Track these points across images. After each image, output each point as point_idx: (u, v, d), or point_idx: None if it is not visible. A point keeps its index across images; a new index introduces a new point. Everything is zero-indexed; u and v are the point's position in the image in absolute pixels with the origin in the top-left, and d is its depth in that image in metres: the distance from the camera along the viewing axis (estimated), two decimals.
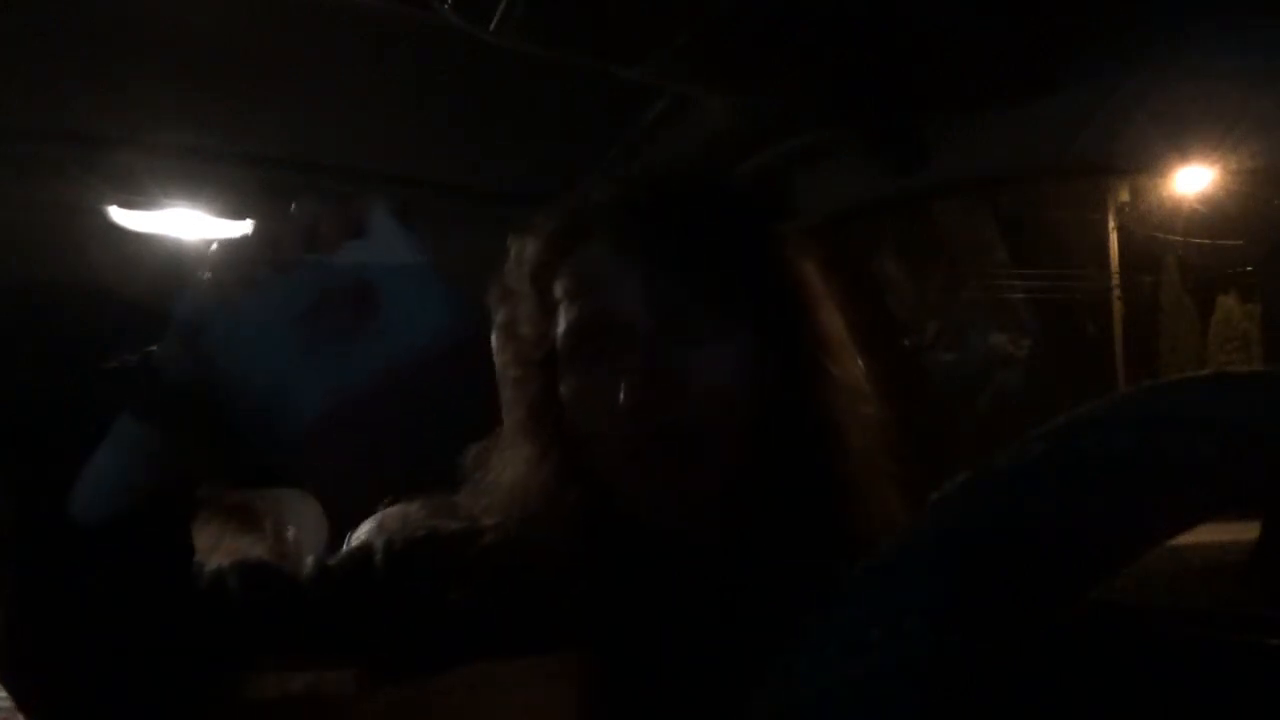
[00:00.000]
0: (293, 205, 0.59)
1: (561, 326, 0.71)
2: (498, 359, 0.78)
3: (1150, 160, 0.90)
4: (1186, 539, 0.34)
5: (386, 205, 0.59)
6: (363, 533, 1.23)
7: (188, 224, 1.36)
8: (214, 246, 0.59)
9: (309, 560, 0.72)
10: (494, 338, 0.78)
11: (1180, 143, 0.83)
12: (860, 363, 0.77)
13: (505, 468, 0.75)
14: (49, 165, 1.18)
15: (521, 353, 0.74)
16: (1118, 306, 12.21)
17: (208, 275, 0.58)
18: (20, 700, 0.60)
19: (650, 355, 0.67)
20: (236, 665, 0.68)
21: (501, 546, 0.72)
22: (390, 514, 1.13)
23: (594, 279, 0.70)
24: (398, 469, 0.59)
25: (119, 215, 1.32)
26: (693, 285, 0.68)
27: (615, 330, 0.68)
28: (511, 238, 0.77)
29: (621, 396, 0.66)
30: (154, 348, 0.60)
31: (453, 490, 0.77)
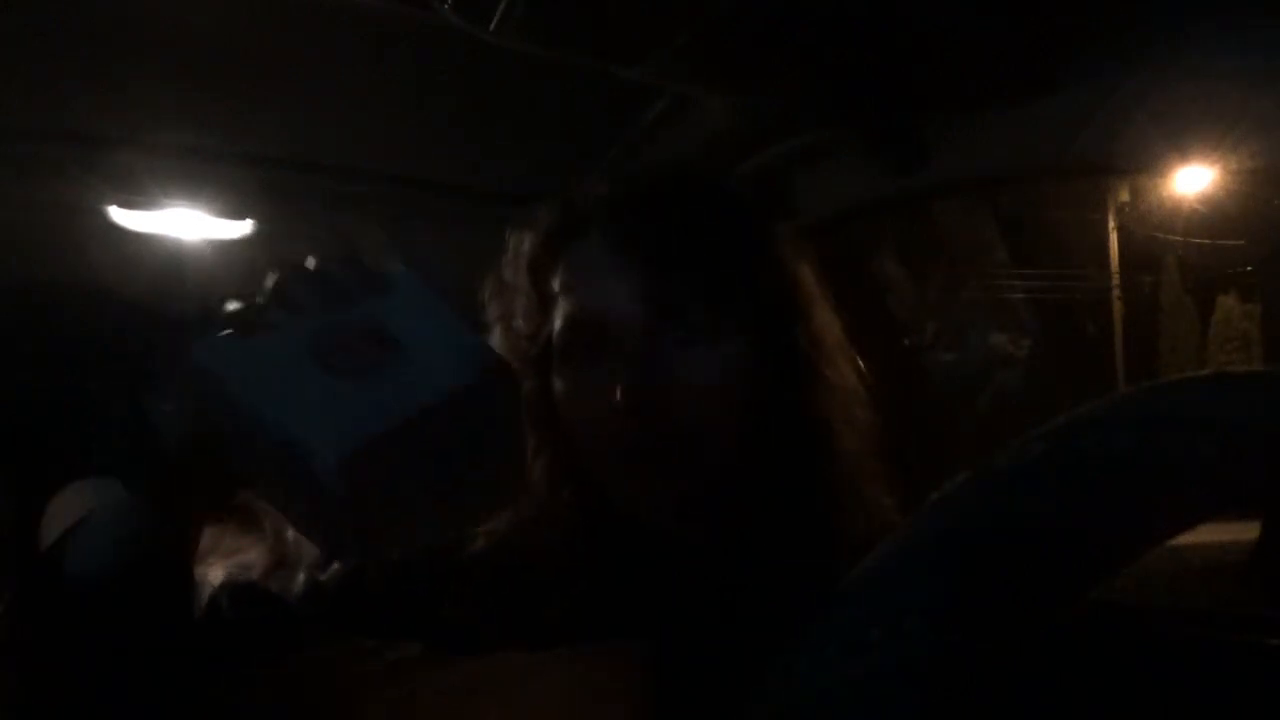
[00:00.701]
0: (309, 260, 0.57)
1: (558, 323, 0.71)
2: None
3: (1150, 160, 0.90)
4: (1186, 539, 0.34)
5: (396, 248, 0.57)
6: None
7: (188, 224, 1.36)
8: (227, 303, 0.56)
9: (300, 576, 0.72)
10: (490, 333, 0.78)
11: (1180, 143, 0.83)
12: (857, 365, 0.77)
13: None
14: (49, 165, 1.18)
15: (517, 348, 0.74)
16: (1118, 306, 12.20)
17: (219, 328, 0.55)
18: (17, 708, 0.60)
19: (646, 355, 0.67)
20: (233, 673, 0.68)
21: (496, 550, 0.71)
22: None
23: (591, 276, 0.70)
24: (424, 514, 0.57)
25: (119, 215, 1.32)
26: (689, 285, 0.68)
27: (611, 328, 0.68)
28: (510, 232, 0.77)
29: (616, 396, 0.66)
30: (152, 406, 0.58)
31: None
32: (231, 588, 0.68)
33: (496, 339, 0.77)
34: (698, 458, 0.68)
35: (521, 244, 0.76)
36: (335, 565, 0.71)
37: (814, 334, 0.74)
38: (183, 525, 0.60)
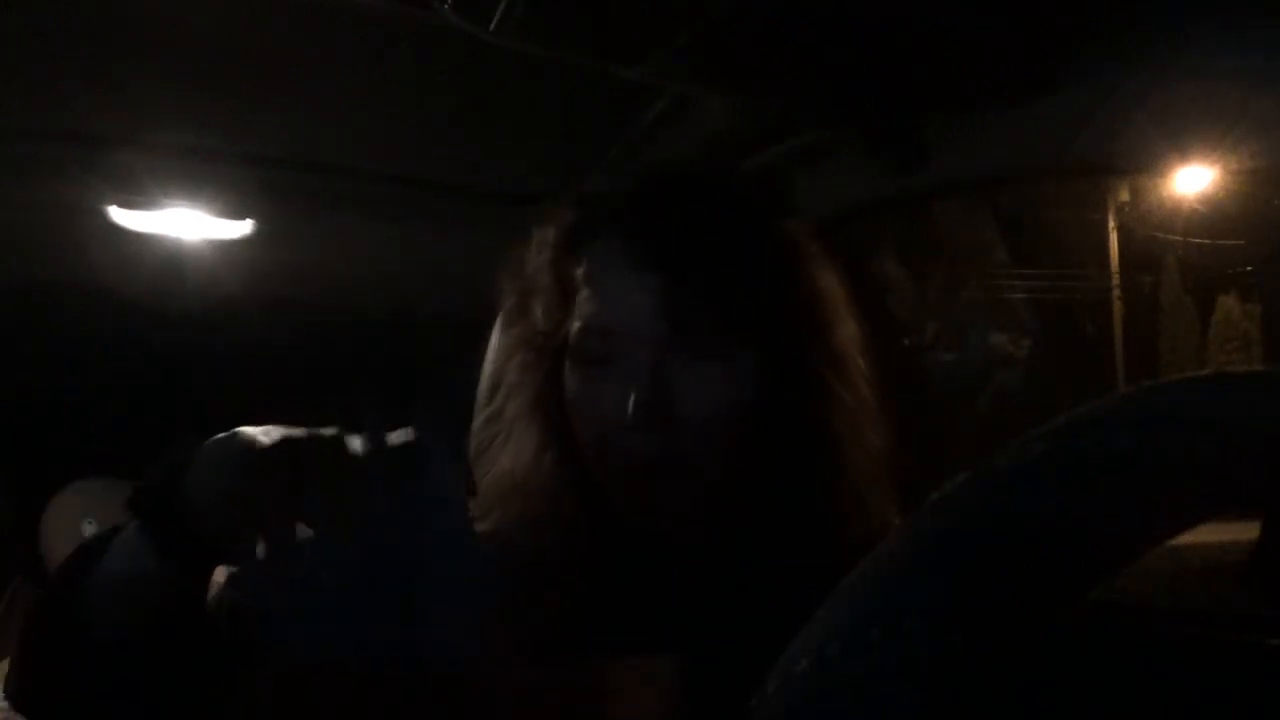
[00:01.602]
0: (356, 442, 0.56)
1: (576, 323, 0.70)
2: (505, 339, 0.78)
3: (1150, 160, 0.90)
4: (1186, 539, 0.34)
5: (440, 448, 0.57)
6: None
7: (188, 224, 1.36)
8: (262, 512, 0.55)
9: None
10: (503, 318, 0.77)
11: (1180, 143, 0.83)
12: (871, 379, 0.75)
13: (506, 459, 0.74)
14: (49, 165, 1.18)
15: (533, 339, 0.74)
16: (1118, 306, 12.19)
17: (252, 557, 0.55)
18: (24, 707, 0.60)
19: (658, 366, 0.67)
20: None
21: (500, 553, 0.71)
22: None
23: (610, 279, 0.70)
24: None
25: (119, 215, 1.32)
26: (707, 297, 0.67)
27: (625, 335, 0.68)
28: (536, 225, 0.76)
29: (627, 405, 0.65)
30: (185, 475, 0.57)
31: None
32: (230, 607, 0.68)
33: (509, 324, 0.77)
34: (703, 470, 0.68)
35: (546, 238, 0.75)
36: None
37: (834, 351, 0.72)
38: (203, 581, 0.59)
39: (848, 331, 0.74)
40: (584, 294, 0.70)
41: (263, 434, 0.55)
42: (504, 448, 0.75)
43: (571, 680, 0.56)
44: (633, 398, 0.65)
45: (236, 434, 0.56)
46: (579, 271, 0.71)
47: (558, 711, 0.56)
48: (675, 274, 0.67)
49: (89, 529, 1.91)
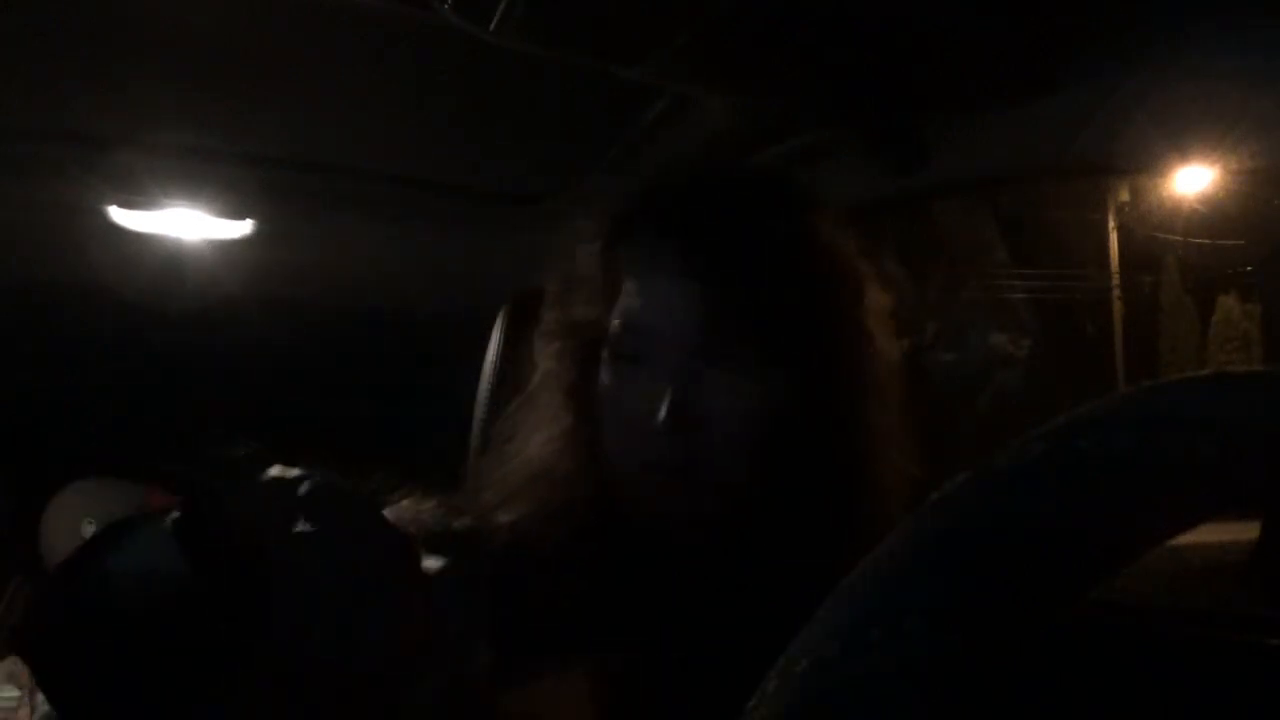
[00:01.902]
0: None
1: (617, 318, 0.70)
2: (543, 325, 0.77)
3: (1150, 160, 0.90)
4: (1186, 539, 0.34)
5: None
6: None
7: (188, 224, 1.36)
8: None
9: None
10: (546, 301, 0.77)
11: (1180, 143, 0.83)
12: (905, 408, 0.75)
13: (534, 445, 0.74)
14: (49, 165, 1.19)
15: (573, 326, 0.74)
16: (1118, 306, 12.17)
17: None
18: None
19: (693, 369, 0.66)
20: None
21: (516, 548, 0.71)
22: (403, 513, 1.13)
23: (651, 279, 0.69)
24: None
25: (119, 215, 1.32)
26: (750, 307, 0.67)
27: (661, 338, 0.68)
28: (584, 217, 0.76)
29: (659, 409, 0.65)
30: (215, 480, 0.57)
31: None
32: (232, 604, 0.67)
33: (550, 306, 0.77)
34: (721, 479, 0.68)
35: (597, 228, 0.74)
36: None
37: (871, 375, 0.72)
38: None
39: (889, 354, 0.74)
40: (627, 289, 0.70)
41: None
42: (532, 434, 0.74)
43: (558, 682, 0.56)
44: (667, 399, 0.65)
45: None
46: (625, 265, 0.71)
47: (550, 714, 0.56)
48: (719, 282, 0.66)
49: (89, 529, 1.91)
